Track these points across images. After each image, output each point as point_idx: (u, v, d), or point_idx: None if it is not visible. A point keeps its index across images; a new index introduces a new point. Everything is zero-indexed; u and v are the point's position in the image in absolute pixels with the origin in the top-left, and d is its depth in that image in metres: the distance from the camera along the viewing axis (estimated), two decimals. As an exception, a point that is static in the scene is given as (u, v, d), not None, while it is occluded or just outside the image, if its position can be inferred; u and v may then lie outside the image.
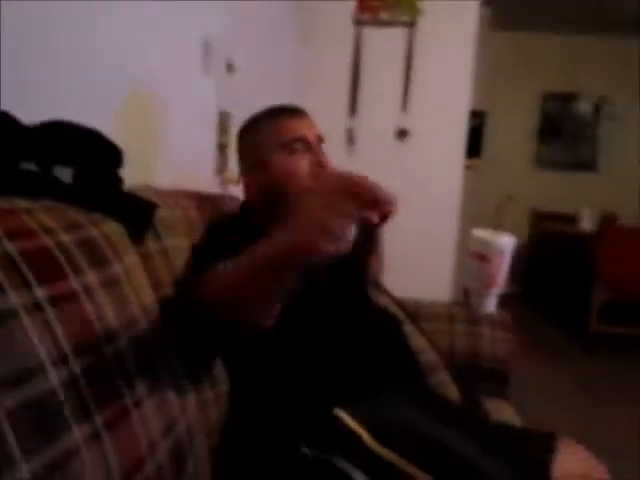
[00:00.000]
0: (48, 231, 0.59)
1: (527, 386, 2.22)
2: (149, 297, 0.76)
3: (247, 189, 1.13)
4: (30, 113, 0.74)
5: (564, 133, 5.42)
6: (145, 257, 0.89)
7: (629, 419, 2.60)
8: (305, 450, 0.83)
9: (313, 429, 0.85)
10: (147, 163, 1.41)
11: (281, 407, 0.91)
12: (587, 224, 4.46)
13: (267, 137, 1.05)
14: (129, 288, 0.69)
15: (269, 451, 0.89)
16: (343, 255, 0.65)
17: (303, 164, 1.02)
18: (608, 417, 2.64)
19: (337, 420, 0.82)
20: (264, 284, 0.72)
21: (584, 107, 5.01)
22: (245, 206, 1.17)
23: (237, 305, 0.77)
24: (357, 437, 0.80)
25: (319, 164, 1.02)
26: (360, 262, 1.20)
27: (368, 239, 1.14)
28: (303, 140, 1.03)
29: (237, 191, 1.85)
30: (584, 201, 4.99)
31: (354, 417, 0.82)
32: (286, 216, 0.90)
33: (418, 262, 2.83)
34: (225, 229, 1.05)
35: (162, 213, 0.96)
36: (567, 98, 5.30)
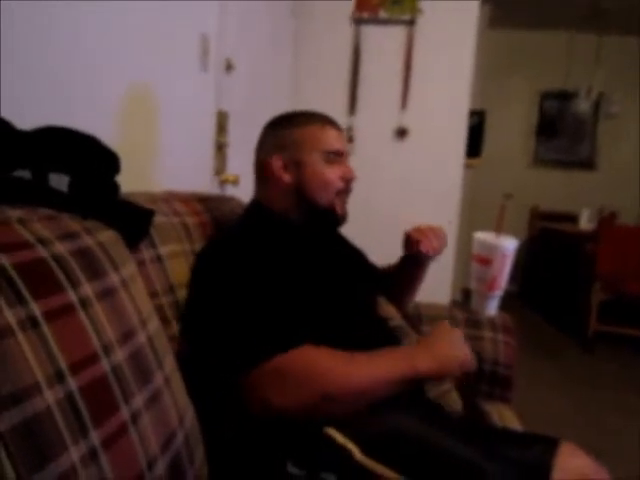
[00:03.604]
0: (43, 242, 0.57)
1: (526, 386, 2.21)
2: (147, 307, 0.75)
3: (273, 178, 1.11)
4: (27, 118, 0.73)
5: (563, 131, 5.42)
6: (139, 265, 0.88)
7: (628, 419, 2.60)
8: (292, 469, 0.81)
9: (301, 446, 0.83)
10: (145, 163, 1.40)
11: (268, 425, 0.88)
12: (586, 223, 4.46)
13: (314, 140, 1.09)
14: (126, 298, 0.68)
15: (257, 468, 0.86)
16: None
17: (335, 175, 1.10)
18: (608, 416, 2.63)
19: (326, 437, 0.80)
20: (398, 389, 0.87)
21: (583, 105, 4.99)
22: (259, 205, 1.14)
23: (356, 403, 0.84)
24: (347, 452, 0.78)
25: (347, 176, 1.12)
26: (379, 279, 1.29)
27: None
28: (340, 153, 1.11)
29: (235, 191, 1.84)
30: (583, 199, 4.99)
31: (344, 432, 0.80)
32: (305, 215, 1.08)
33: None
34: (254, 244, 1.01)
35: (156, 220, 0.94)
36: (566, 96, 5.29)
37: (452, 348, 0.92)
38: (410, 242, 1.17)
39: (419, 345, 0.93)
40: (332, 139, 1.11)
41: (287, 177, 1.09)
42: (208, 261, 0.97)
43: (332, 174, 1.10)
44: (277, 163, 1.09)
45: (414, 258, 1.23)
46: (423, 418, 0.88)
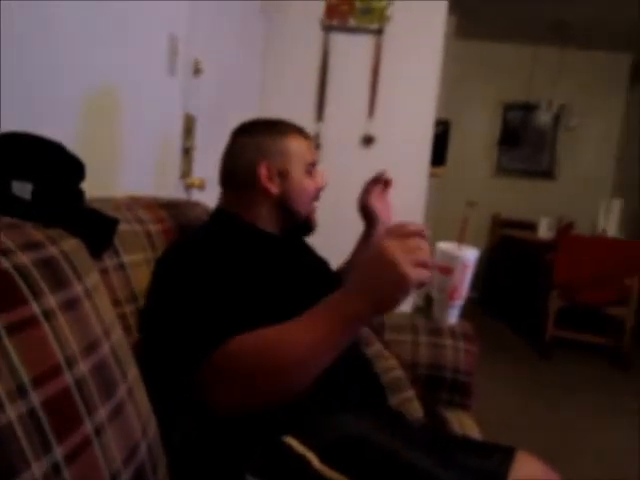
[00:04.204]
0: (5, 252, 0.56)
1: (485, 391, 2.26)
2: (110, 316, 0.74)
3: (256, 187, 1.08)
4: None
5: (525, 142, 5.56)
6: (102, 273, 0.87)
7: (583, 422, 2.69)
8: (250, 479, 0.79)
9: (260, 456, 0.81)
10: (108, 166, 1.38)
11: (226, 434, 0.87)
12: (545, 232, 4.58)
13: (298, 151, 1.10)
14: (90, 308, 0.67)
15: (215, 478, 0.86)
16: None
17: (313, 186, 1.13)
18: (565, 419, 2.71)
19: (284, 446, 0.79)
20: (343, 344, 0.80)
21: (544, 117, 5.13)
22: (225, 213, 1.12)
23: (305, 375, 0.79)
24: (305, 462, 0.77)
25: (321, 185, 1.15)
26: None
27: None
28: (315, 164, 1.14)
29: (201, 196, 1.83)
30: (543, 208, 5.12)
31: (303, 441, 0.80)
32: (284, 224, 1.10)
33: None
34: (213, 248, 0.99)
35: (120, 227, 0.93)
36: (528, 108, 5.43)
37: (390, 282, 0.75)
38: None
39: (354, 286, 0.79)
40: (311, 150, 1.14)
41: (273, 187, 1.08)
42: (166, 264, 0.96)
43: (311, 185, 1.12)
44: (264, 172, 1.07)
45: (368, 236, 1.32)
46: (384, 426, 0.89)
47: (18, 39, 0.96)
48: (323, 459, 0.77)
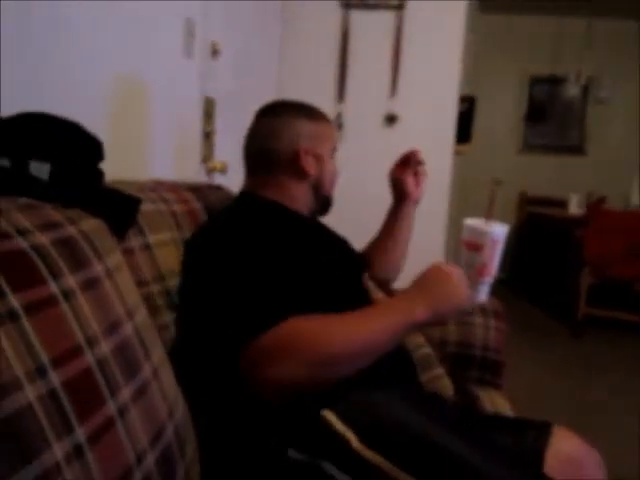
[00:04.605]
0: (23, 232, 0.55)
1: (516, 371, 2.22)
2: (134, 297, 0.73)
3: (296, 169, 1.09)
4: (20, 106, 0.71)
5: (552, 117, 5.42)
6: (128, 253, 0.86)
7: (618, 401, 2.63)
8: (293, 454, 0.80)
9: (301, 431, 0.82)
10: (134, 152, 1.37)
11: (269, 408, 0.87)
12: (575, 208, 4.47)
13: (329, 137, 1.15)
14: (111, 288, 0.66)
15: (256, 454, 0.86)
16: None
17: (336, 170, 1.18)
18: (597, 400, 2.66)
19: (325, 423, 0.79)
20: (395, 343, 0.88)
21: (572, 90, 4.99)
22: (251, 195, 1.12)
23: (354, 366, 0.84)
24: (345, 440, 0.77)
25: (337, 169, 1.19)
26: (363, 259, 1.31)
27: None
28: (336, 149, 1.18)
29: (223, 180, 1.82)
30: (572, 185, 5.00)
31: (343, 419, 0.79)
32: (316, 206, 1.15)
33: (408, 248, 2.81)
34: (247, 228, 0.98)
35: (145, 207, 0.92)
36: (555, 81, 5.28)
37: (448, 294, 0.88)
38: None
39: (414, 292, 0.88)
40: (334, 137, 1.18)
41: (312, 169, 1.10)
42: (200, 247, 0.96)
43: (335, 169, 1.17)
44: (305, 154, 1.09)
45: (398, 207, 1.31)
46: (421, 409, 0.87)
47: (39, 35, 0.96)
48: (362, 439, 0.76)
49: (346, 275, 1.13)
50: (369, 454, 0.75)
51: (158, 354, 0.74)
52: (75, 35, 1.08)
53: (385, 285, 1.34)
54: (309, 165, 1.09)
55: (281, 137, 1.09)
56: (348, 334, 0.83)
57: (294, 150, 1.08)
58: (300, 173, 1.09)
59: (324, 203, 1.18)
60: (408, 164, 1.26)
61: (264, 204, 1.09)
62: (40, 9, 0.96)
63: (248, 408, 0.88)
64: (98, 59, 1.18)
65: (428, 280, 0.89)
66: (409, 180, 1.27)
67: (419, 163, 1.27)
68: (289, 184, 1.10)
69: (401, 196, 1.29)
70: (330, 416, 0.80)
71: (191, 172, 1.76)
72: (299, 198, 1.11)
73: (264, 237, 0.96)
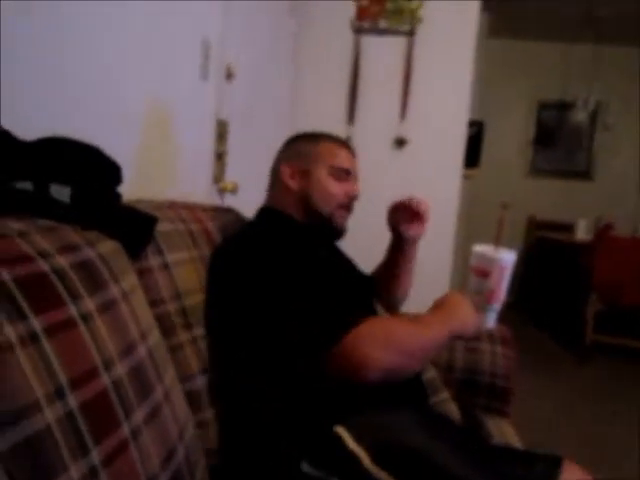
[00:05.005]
0: (43, 254, 0.56)
1: (522, 397, 2.21)
2: (147, 319, 0.74)
3: (281, 184, 1.19)
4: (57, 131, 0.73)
5: (560, 141, 5.44)
6: (146, 272, 0.88)
7: (627, 429, 2.60)
8: (305, 467, 0.81)
9: (315, 446, 0.83)
10: (159, 174, 1.41)
11: (283, 422, 0.89)
12: (583, 233, 4.46)
13: (326, 155, 1.18)
14: (127, 311, 0.67)
15: (270, 467, 0.88)
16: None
17: (339, 189, 1.17)
18: (605, 427, 2.63)
19: (338, 439, 0.81)
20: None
21: (580, 116, 5.01)
22: (269, 209, 1.21)
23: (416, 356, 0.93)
24: (356, 459, 0.78)
25: (351, 193, 1.18)
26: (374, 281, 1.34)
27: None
28: (348, 172, 1.19)
29: (233, 200, 1.84)
30: (580, 209, 5.00)
31: (356, 437, 0.81)
32: (309, 220, 1.16)
33: (415, 272, 2.81)
34: (273, 241, 1.06)
35: (163, 227, 0.94)
36: (563, 106, 5.31)
37: (467, 314, 1.00)
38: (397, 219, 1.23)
39: (444, 310, 1.00)
40: (343, 158, 1.19)
41: (293, 184, 1.17)
42: (233, 262, 1.00)
43: (336, 188, 1.17)
44: (285, 171, 1.18)
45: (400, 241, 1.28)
46: (432, 431, 0.88)
47: (67, 61, 0.98)
48: (373, 458, 0.78)
49: (358, 295, 1.14)
50: (380, 474, 0.76)
51: (170, 376, 0.75)
52: (110, 61, 1.12)
53: (393, 309, 1.35)
54: (290, 180, 1.17)
55: (277, 156, 1.24)
56: (423, 335, 0.93)
57: (278, 168, 1.20)
58: (284, 187, 1.18)
59: (322, 219, 1.16)
60: (404, 210, 1.21)
61: (279, 217, 1.18)
62: (74, 44, 0.99)
63: (265, 422, 0.90)
64: (133, 85, 1.22)
65: (450, 302, 1.02)
66: (404, 226, 1.23)
67: (418, 213, 1.21)
68: (282, 198, 1.19)
69: (398, 238, 1.27)
70: (343, 433, 0.81)
71: (203, 192, 1.78)
72: (292, 211, 1.17)
73: (292, 249, 1.04)
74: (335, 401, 0.88)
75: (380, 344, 0.86)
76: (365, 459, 0.78)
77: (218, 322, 0.98)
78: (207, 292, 1.00)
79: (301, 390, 0.90)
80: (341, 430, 0.81)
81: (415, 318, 0.98)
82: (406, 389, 1.00)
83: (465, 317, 0.99)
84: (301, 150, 1.20)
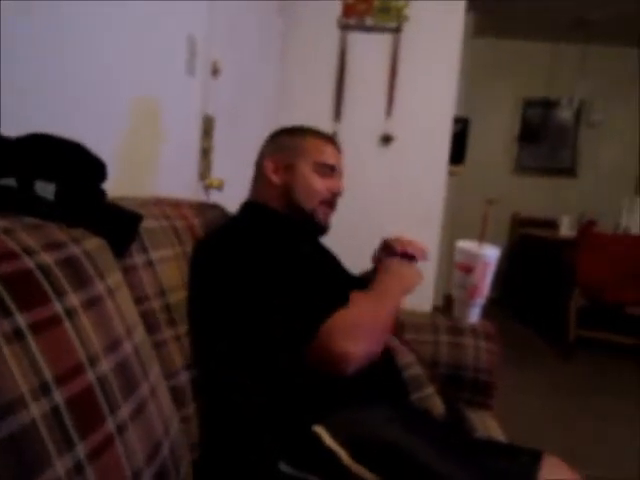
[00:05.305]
0: (28, 251, 0.56)
1: (506, 392, 2.24)
2: (132, 316, 0.74)
3: (264, 178, 1.20)
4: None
5: (545, 139, 5.48)
6: (131, 270, 0.88)
7: (610, 423, 2.64)
8: (283, 467, 0.82)
9: (293, 445, 0.84)
10: (145, 170, 1.40)
11: (264, 417, 0.90)
12: (567, 230, 4.51)
13: (310, 149, 1.18)
14: (112, 307, 0.67)
15: (248, 466, 0.88)
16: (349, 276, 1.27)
17: (322, 185, 1.17)
18: (588, 421, 2.67)
19: (316, 438, 0.82)
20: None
21: (565, 113, 5.06)
22: (253, 203, 1.21)
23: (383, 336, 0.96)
24: (335, 456, 0.79)
25: (334, 189, 1.19)
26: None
27: None
28: (333, 168, 1.19)
29: (219, 196, 1.84)
30: (564, 206, 5.05)
31: (334, 435, 0.81)
32: (292, 214, 1.17)
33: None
34: (259, 234, 1.07)
35: (147, 224, 0.94)
36: (548, 104, 5.36)
37: (409, 271, 1.10)
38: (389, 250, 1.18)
39: (390, 275, 1.07)
40: (329, 154, 1.19)
41: (276, 178, 1.17)
42: (215, 255, 1.00)
43: (320, 184, 1.17)
44: (269, 165, 1.18)
45: None
46: (411, 427, 0.88)
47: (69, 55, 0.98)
48: (352, 455, 0.78)
49: (341, 291, 1.14)
50: (359, 470, 0.77)
51: (155, 372, 0.76)
52: (101, 59, 1.12)
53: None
54: (273, 174, 1.18)
55: (260, 151, 1.25)
56: (384, 310, 0.97)
57: (260, 161, 1.22)
58: (267, 181, 1.18)
59: (304, 214, 1.16)
60: (389, 251, 1.18)
61: (263, 211, 1.18)
62: (74, 44, 0.99)
63: (246, 415, 0.91)
64: (120, 83, 1.21)
65: (392, 270, 1.09)
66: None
67: (411, 255, 1.17)
68: (265, 192, 1.19)
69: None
70: (321, 431, 0.82)
71: (188, 188, 1.77)
72: (276, 205, 1.17)
73: (277, 241, 1.06)
74: (314, 398, 0.89)
75: (352, 337, 0.88)
76: (344, 455, 0.79)
77: (200, 316, 0.98)
78: (189, 286, 1.01)
79: (283, 384, 0.91)
80: (319, 429, 0.82)
81: (371, 293, 1.01)
82: (385, 386, 1.01)
83: (409, 274, 1.08)
84: (286, 144, 1.20)
